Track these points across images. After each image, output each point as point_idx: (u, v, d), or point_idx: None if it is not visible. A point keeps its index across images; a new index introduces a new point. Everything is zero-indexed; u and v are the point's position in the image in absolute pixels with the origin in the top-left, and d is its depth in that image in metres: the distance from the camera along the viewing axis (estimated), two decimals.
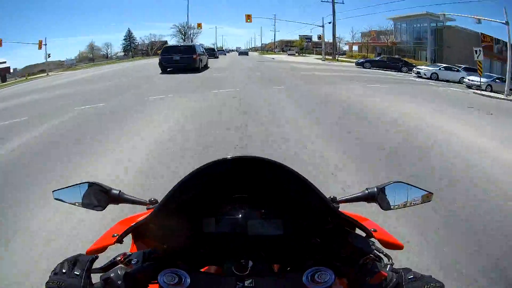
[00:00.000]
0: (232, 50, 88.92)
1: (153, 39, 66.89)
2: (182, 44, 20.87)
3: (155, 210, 0.64)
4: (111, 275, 0.57)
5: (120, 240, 0.70)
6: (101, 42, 62.88)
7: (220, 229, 0.67)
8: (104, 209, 0.83)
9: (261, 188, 0.68)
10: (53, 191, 0.84)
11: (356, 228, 0.68)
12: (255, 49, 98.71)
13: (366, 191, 0.80)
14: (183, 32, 72.45)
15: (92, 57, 49.92)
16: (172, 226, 0.66)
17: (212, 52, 37.85)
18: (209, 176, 0.63)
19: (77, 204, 0.81)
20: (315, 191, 0.61)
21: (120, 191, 0.85)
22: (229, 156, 0.60)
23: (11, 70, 31.93)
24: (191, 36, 77.03)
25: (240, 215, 0.68)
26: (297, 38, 62.68)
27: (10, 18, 67.96)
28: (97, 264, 0.61)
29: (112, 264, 0.62)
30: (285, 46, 67.12)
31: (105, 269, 0.61)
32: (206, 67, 20.13)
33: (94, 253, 0.66)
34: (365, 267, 0.58)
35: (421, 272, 0.56)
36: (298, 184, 0.61)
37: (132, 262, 0.60)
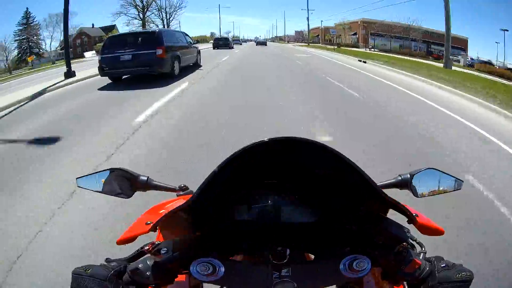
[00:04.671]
0: (250, 40, 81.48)
1: (79, 26, 37.04)
2: (138, 31, 12.49)
3: (192, 199, 0.58)
4: (140, 265, 0.56)
5: (154, 228, 0.65)
6: None
7: (252, 217, 0.65)
8: (130, 196, 0.81)
9: (294, 172, 0.65)
10: (76, 178, 0.80)
11: (389, 214, 0.67)
12: (279, 39, 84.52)
13: (399, 178, 0.77)
14: (140, 8, 37.47)
15: None
16: (204, 214, 0.64)
17: (226, 42, 31.73)
18: (243, 161, 0.57)
19: (100, 191, 0.79)
20: (361, 174, 0.55)
21: (148, 177, 0.83)
22: (266, 139, 0.54)
23: None
24: (167, 15, 43.23)
25: (272, 202, 0.65)
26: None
27: None
28: (122, 254, 0.61)
29: (139, 254, 0.61)
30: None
31: (131, 259, 0.60)
32: (196, 65, 12.49)
33: (125, 242, 0.68)
34: (400, 255, 0.57)
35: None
36: (340, 167, 0.56)
37: (161, 251, 0.57)
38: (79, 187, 0.80)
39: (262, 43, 46.74)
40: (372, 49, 34.98)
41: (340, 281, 0.58)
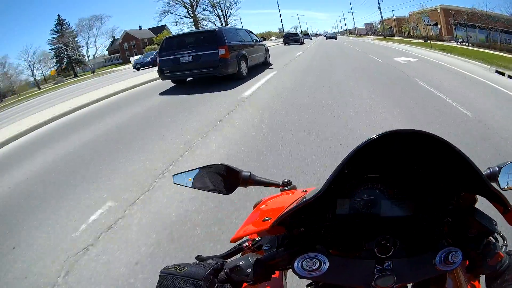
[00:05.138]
0: (319, 35, 78.30)
1: (117, 28, 34.76)
2: (196, 30, 11.13)
3: (317, 196, 0.55)
4: (240, 262, 0.54)
5: (273, 226, 0.64)
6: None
7: (352, 211, 0.64)
8: (229, 193, 0.80)
9: (394, 165, 0.63)
10: (173, 175, 0.79)
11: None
12: (349, 32, 76.44)
13: (489, 170, 0.74)
14: (188, 5, 30.43)
15: None
16: (309, 209, 0.62)
17: (296, 38, 30.01)
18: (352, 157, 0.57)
19: (190, 187, 0.78)
20: (471, 164, 0.52)
21: (250, 172, 0.83)
22: (374, 136, 0.51)
23: None
24: (223, 12, 36.41)
25: (372, 196, 0.63)
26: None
27: None
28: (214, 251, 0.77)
29: (237, 250, 0.60)
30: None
31: (227, 256, 0.58)
32: (266, 64, 11.18)
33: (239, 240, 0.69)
34: (488, 247, 0.56)
35: None
36: (446, 157, 0.54)
37: (264, 248, 0.57)
38: (174, 183, 0.79)
39: (332, 37, 45.54)
40: (463, 43, 28.76)
41: (433, 273, 0.57)
